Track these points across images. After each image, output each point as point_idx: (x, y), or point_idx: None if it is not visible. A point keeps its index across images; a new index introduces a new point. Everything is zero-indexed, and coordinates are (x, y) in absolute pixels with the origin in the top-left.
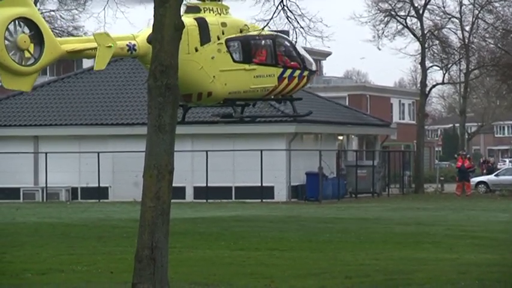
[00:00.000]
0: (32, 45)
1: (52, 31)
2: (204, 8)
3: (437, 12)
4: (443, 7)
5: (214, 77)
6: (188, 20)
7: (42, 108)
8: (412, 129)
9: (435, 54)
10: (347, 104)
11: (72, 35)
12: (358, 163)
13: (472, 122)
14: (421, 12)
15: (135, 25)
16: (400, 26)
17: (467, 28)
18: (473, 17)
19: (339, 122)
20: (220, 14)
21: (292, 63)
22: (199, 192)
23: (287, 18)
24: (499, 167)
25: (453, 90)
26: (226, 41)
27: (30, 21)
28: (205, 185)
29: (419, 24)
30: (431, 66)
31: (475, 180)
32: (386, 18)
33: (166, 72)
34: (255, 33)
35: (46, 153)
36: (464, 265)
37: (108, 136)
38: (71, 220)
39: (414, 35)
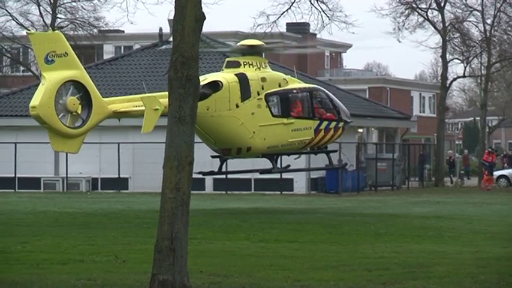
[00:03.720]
0: (80, 106)
1: (73, 22)
2: (243, 63)
3: (458, 4)
4: (465, 0)
5: (254, 132)
6: (229, 76)
7: None
8: (432, 123)
9: (456, 47)
10: (367, 96)
11: (93, 26)
12: (378, 156)
13: (493, 115)
14: (442, 4)
15: (154, 14)
16: (421, 19)
17: (489, 21)
18: (495, 10)
19: (359, 114)
20: (259, 68)
21: (328, 114)
22: (218, 183)
23: (310, 2)
24: None
25: (474, 84)
26: (266, 96)
27: (79, 83)
28: (224, 176)
29: (440, 16)
30: (452, 59)
31: (496, 174)
32: (407, 11)
33: (187, 64)
34: (294, 86)
35: None
36: (484, 259)
37: (129, 127)
38: (91, 210)
39: (435, 27)
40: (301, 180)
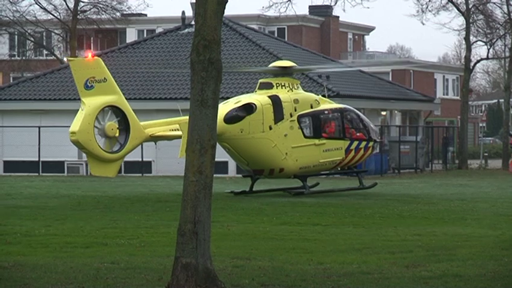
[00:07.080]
0: (118, 131)
1: (96, 6)
2: (276, 84)
3: None
4: None
5: (286, 153)
6: (263, 98)
7: None
8: (456, 105)
9: (480, 29)
10: (390, 79)
11: (116, 10)
12: (401, 139)
13: None
14: None
15: None
16: (444, 1)
17: None
18: None
19: (382, 97)
20: (292, 90)
21: (358, 134)
22: None
23: None
24: None
25: (498, 66)
26: (298, 117)
27: (117, 108)
28: None
29: None
30: (475, 41)
31: None
32: None
33: (210, 47)
34: (325, 107)
35: None
36: (508, 241)
37: (152, 110)
38: (115, 194)
39: (458, 9)
40: None
